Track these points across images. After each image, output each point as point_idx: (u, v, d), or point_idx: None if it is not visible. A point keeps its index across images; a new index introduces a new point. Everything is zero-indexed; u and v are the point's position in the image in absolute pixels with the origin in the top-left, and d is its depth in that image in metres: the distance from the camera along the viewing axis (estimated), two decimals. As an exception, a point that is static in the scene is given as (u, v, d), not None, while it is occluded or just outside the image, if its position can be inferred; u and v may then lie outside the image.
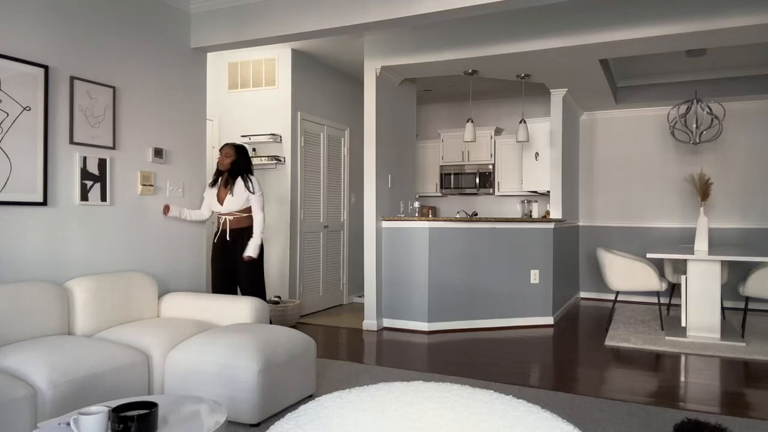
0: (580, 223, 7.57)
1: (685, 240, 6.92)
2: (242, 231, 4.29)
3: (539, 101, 7.58)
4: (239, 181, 4.25)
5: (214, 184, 4.33)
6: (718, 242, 6.80)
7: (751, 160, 6.74)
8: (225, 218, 4.28)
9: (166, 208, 4.07)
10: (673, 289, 6.35)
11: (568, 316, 6.24)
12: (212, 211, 4.36)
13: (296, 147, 5.86)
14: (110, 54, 3.70)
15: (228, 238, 4.28)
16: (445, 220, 5.38)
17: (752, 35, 4.25)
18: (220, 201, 4.27)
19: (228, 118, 6.03)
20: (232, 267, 4.33)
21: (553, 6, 4.54)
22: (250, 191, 4.25)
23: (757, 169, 6.72)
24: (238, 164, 4.27)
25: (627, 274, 5.29)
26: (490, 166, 7.60)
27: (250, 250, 4.22)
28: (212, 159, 5.92)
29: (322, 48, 5.81)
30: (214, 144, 5.94)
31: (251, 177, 4.31)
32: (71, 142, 3.41)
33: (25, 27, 3.19)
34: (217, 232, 4.35)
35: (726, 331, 5.16)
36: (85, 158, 3.49)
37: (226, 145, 4.34)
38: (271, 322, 4.55)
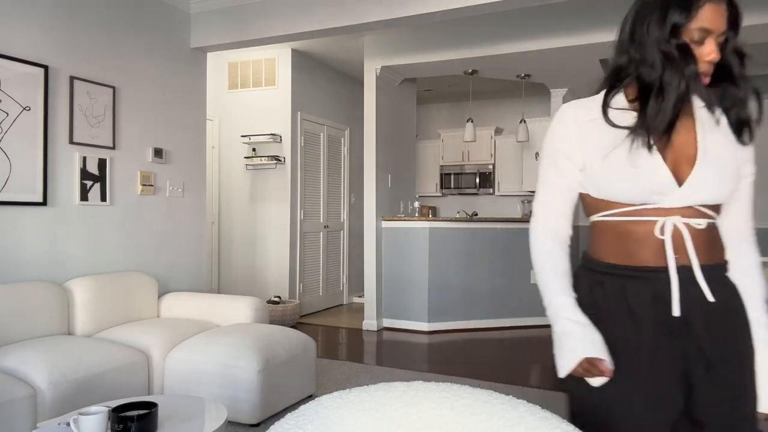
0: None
1: (685, 240, 6.90)
2: (722, 271, 1.22)
3: (539, 101, 7.57)
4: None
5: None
6: (718, 242, 6.79)
7: (751, 160, 6.73)
8: (676, 224, 1.15)
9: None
10: (673, 289, 6.34)
11: (568, 316, 6.23)
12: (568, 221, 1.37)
13: (296, 147, 5.86)
14: (110, 54, 3.70)
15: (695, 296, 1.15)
16: (445, 220, 5.38)
17: (752, 35, 4.24)
18: (676, 165, 1.16)
19: (228, 118, 6.02)
20: (687, 388, 1.16)
21: (553, 6, 4.53)
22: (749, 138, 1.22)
23: (757, 169, 6.69)
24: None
25: (627, 274, 5.28)
26: (490, 166, 7.60)
27: None
28: (212, 159, 5.90)
29: (322, 48, 5.81)
30: (213, 144, 5.94)
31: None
32: (71, 142, 3.41)
33: (25, 27, 3.19)
34: (642, 281, 1.18)
35: (726, 331, 5.15)
36: (84, 158, 3.49)
37: None
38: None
